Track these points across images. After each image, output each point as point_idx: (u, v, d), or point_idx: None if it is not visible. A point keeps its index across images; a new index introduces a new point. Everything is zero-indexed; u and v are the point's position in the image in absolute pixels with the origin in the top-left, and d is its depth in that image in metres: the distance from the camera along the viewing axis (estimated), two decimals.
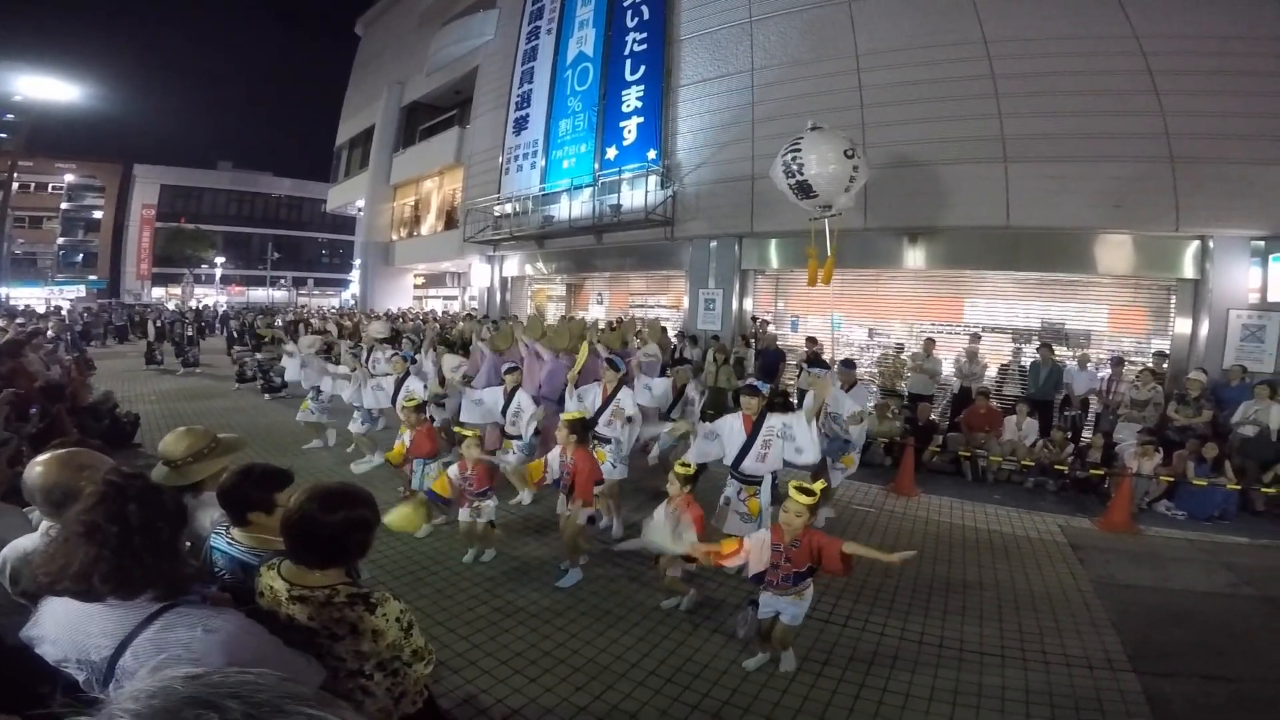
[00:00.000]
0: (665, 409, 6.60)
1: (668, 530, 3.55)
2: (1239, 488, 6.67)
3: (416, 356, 7.72)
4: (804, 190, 7.17)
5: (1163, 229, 8.66)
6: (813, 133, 7.21)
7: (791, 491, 3.30)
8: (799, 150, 7.09)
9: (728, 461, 4.71)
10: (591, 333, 8.68)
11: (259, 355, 13.18)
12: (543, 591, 4.41)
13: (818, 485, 3.44)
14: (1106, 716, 3.30)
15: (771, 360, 10.12)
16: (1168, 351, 8.84)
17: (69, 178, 41.60)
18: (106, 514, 1.34)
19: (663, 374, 7.61)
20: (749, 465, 4.60)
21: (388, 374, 7.25)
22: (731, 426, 4.70)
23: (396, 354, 7.53)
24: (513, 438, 6.04)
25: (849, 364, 7.05)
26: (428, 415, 6.04)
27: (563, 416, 4.67)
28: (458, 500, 4.78)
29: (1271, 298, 8.17)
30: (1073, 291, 10.10)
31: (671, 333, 12.30)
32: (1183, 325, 8.95)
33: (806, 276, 7.87)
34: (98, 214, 43.49)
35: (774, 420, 4.59)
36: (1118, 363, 8.63)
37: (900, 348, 10.79)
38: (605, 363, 5.90)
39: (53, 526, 1.43)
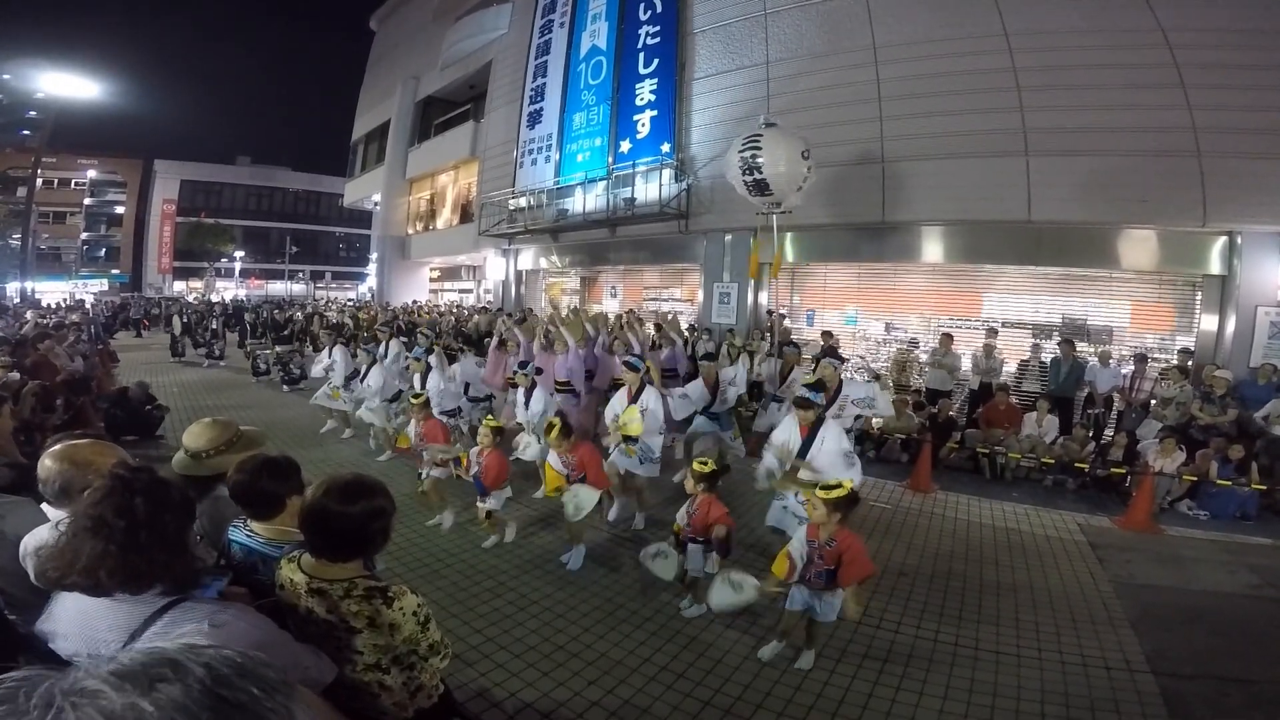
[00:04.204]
0: (705, 407, 6.58)
1: (727, 590, 3.53)
2: (1264, 488, 6.53)
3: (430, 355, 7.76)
4: (760, 188, 7.31)
5: (1189, 224, 8.48)
6: (772, 133, 7.31)
7: (816, 493, 3.33)
8: (759, 149, 7.17)
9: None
10: (597, 325, 8.73)
11: (278, 349, 13.35)
12: (557, 586, 4.43)
13: (848, 483, 3.46)
14: (1122, 717, 3.26)
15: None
16: (1193, 349, 8.67)
17: (91, 174, 42.44)
18: (113, 508, 1.34)
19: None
20: (803, 470, 4.53)
21: (405, 369, 7.33)
22: (785, 433, 4.67)
23: (410, 356, 7.63)
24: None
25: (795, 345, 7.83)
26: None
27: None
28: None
29: None
30: (1095, 287, 9.93)
31: (684, 325, 12.27)
32: (1209, 322, 8.77)
33: (750, 270, 8.06)
34: (120, 209, 44.33)
35: (850, 392, 4.67)
36: (1141, 360, 8.48)
37: (914, 343, 10.71)
38: (624, 365, 5.89)
39: (61, 520, 1.44)
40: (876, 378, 6.81)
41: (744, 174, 7.29)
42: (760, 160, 7.15)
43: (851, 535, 3.40)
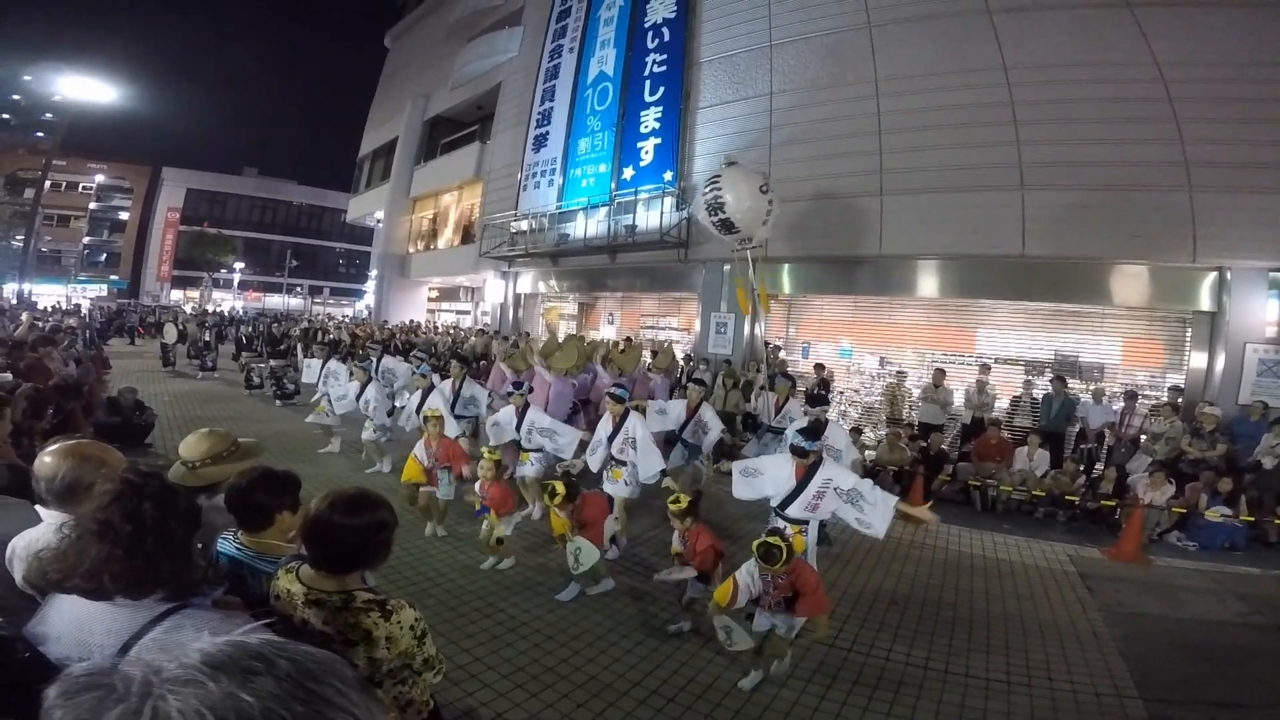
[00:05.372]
0: (678, 430, 6.60)
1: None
2: (1251, 520, 6.61)
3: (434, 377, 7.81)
4: (727, 226, 7.41)
5: (1179, 259, 8.54)
6: (731, 171, 7.45)
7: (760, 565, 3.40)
8: (719, 189, 7.29)
9: (774, 503, 4.52)
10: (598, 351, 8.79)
11: (272, 363, 13.34)
12: (545, 607, 4.41)
13: (798, 541, 3.58)
14: None
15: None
16: (1183, 386, 8.69)
17: (99, 178, 42.62)
18: (121, 512, 1.34)
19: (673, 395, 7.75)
20: (795, 511, 4.41)
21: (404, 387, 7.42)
22: (779, 469, 4.51)
23: (416, 372, 7.71)
24: (530, 450, 6.12)
25: (789, 376, 7.79)
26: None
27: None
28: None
29: None
30: (1086, 323, 10.00)
31: (680, 355, 12.29)
32: (1198, 359, 8.78)
33: (762, 303, 8.20)
34: (124, 215, 44.47)
35: (834, 476, 4.32)
36: (1131, 396, 8.53)
37: (902, 375, 10.75)
38: (608, 397, 5.89)
39: (65, 523, 1.44)
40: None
41: (710, 215, 7.41)
42: (723, 199, 7.24)
43: (805, 566, 3.49)
